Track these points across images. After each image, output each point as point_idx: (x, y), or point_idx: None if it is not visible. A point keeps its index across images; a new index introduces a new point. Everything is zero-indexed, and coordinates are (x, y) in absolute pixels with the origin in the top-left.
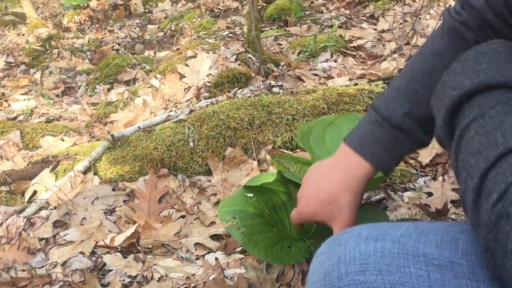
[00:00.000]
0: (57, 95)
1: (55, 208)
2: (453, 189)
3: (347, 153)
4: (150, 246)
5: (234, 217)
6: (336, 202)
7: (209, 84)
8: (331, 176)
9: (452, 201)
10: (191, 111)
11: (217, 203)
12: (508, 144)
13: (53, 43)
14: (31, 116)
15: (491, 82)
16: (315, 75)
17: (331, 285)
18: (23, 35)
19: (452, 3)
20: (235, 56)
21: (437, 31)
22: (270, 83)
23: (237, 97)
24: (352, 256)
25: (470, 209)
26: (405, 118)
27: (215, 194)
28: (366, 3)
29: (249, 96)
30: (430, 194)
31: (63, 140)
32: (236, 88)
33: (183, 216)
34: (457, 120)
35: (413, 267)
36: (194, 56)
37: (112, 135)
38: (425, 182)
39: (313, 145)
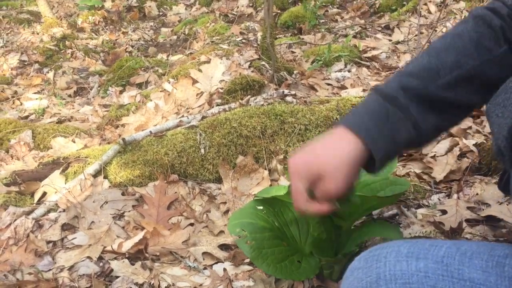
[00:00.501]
0: (69, 95)
1: (64, 210)
2: (468, 208)
3: (338, 130)
4: (157, 254)
5: (243, 230)
6: (329, 164)
7: (221, 91)
8: (325, 148)
9: (467, 220)
10: (203, 117)
11: (226, 211)
12: None
13: (67, 43)
14: (43, 116)
15: None
16: (329, 84)
17: None
18: (37, 33)
19: None
20: (248, 63)
21: (460, 20)
22: (283, 92)
23: (250, 104)
24: (393, 274)
25: None
26: (400, 92)
27: (224, 203)
28: (382, 13)
29: (262, 104)
30: (444, 212)
31: (74, 142)
32: (249, 96)
33: (191, 224)
34: None
35: None
36: (208, 62)
37: (123, 139)
38: (439, 199)
39: None
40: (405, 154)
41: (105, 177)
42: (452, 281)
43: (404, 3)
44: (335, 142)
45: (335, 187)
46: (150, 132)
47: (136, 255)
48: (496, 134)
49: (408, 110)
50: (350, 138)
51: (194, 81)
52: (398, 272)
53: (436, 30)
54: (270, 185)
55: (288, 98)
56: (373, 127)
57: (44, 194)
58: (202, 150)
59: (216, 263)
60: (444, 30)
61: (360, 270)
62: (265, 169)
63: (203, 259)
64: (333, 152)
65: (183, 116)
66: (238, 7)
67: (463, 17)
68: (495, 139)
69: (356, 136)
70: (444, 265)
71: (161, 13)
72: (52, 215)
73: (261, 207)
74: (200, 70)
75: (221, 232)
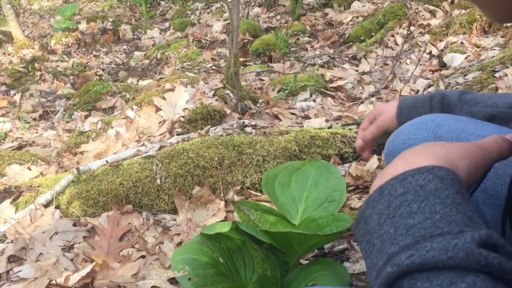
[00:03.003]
0: (35, 119)
1: (11, 241)
2: None
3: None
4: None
5: (186, 267)
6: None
7: (183, 120)
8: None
9: None
10: (161, 147)
11: (180, 243)
12: None
13: (36, 65)
14: (4, 140)
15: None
16: (293, 114)
17: None
18: (8, 54)
19: (433, 49)
20: (213, 92)
21: None
22: (243, 122)
23: (209, 135)
24: None
25: None
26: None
27: (178, 234)
28: (351, 43)
29: (221, 135)
30: None
31: (30, 169)
32: (209, 126)
33: (143, 256)
34: None
35: None
36: (172, 89)
37: (77, 169)
38: None
39: (277, 191)
40: (361, 187)
41: (57, 207)
42: None
43: (373, 34)
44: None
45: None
46: (106, 161)
47: None
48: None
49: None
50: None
51: (158, 109)
52: None
53: (400, 62)
54: (226, 216)
55: (248, 129)
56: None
57: None
58: (158, 181)
59: None
60: (408, 61)
61: None
62: (222, 200)
63: None
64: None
65: (143, 144)
66: (211, 33)
67: (427, 49)
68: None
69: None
70: None
71: (135, 37)
72: None
73: (207, 242)
74: (164, 98)
75: None
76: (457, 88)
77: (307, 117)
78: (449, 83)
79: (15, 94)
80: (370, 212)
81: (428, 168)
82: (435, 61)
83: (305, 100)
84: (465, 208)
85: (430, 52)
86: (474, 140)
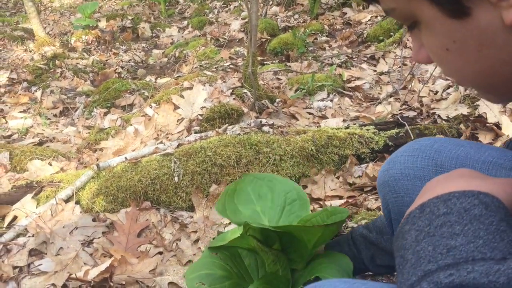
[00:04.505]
0: (55, 115)
1: (33, 235)
2: None
3: None
4: (123, 282)
5: (202, 283)
6: None
7: (201, 118)
8: None
9: None
10: (179, 144)
11: (196, 240)
12: None
13: (57, 62)
14: (26, 136)
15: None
16: (310, 113)
17: None
18: (30, 51)
19: None
20: (230, 90)
21: None
22: (261, 121)
23: (227, 133)
24: None
25: None
26: None
27: (195, 231)
28: (369, 43)
29: (239, 134)
30: None
31: (50, 165)
32: (227, 124)
33: (160, 253)
34: None
35: None
36: (191, 88)
37: (97, 165)
38: None
39: (231, 216)
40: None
41: (77, 202)
42: None
43: (391, 34)
44: None
45: None
46: (125, 158)
47: (101, 284)
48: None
49: None
50: None
51: (176, 107)
52: None
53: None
54: None
55: (265, 128)
56: None
57: (15, 218)
58: (176, 178)
59: None
60: None
61: None
62: None
63: None
64: None
65: (161, 142)
66: (229, 32)
67: None
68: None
69: None
70: None
71: (154, 35)
72: (21, 240)
73: (217, 254)
74: (182, 96)
75: (189, 261)
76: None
77: (324, 117)
78: None
79: (36, 91)
80: (408, 228)
81: (474, 193)
82: None
83: (323, 99)
84: (509, 235)
85: None
86: (480, 167)
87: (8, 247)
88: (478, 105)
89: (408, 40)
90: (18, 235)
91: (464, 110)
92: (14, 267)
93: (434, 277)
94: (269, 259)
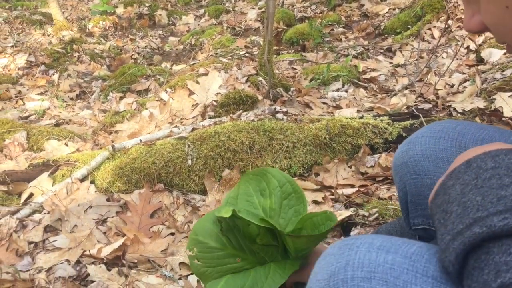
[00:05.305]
0: (71, 98)
1: (48, 212)
2: None
3: None
4: (135, 261)
5: (194, 248)
6: None
7: (216, 104)
8: None
9: None
10: (193, 129)
11: None
12: None
13: (74, 46)
14: (43, 117)
15: None
16: (324, 103)
17: (334, 287)
18: (48, 35)
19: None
20: (246, 78)
21: None
22: (275, 109)
23: (241, 119)
24: (361, 262)
25: None
26: None
27: None
28: (386, 35)
29: (253, 120)
30: None
31: (67, 145)
32: (241, 111)
33: (172, 234)
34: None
35: (419, 285)
36: (206, 74)
37: (112, 146)
38: None
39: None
40: (390, 178)
41: (92, 182)
42: (415, 275)
43: (409, 26)
44: None
45: None
46: (140, 140)
47: (114, 261)
48: (444, 254)
49: None
50: None
51: (191, 92)
52: (367, 261)
53: (436, 56)
54: None
55: (279, 115)
56: None
57: (31, 195)
58: (190, 161)
59: (191, 273)
60: (444, 55)
61: (332, 256)
62: None
63: (179, 269)
64: None
65: (175, 126)
66: (246, 21)
67: (465, 44)
68: (441, 259)
69: None
70: (411, 261)
71: (170, 22)
72: (37, 217)
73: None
74: (197, 82)
75: None
76: (493, 84)
77: (338, 107)
78: (486, 78)
79: (53, 74)
80: (452, 183)
81: None
82: (472, 56)
83: (337, 90)
84: None
85: (468, 46)
86: None
87: (24, 223)
88: (495, 99)
89: (425, 33)
90: (34, 212)
91: (480, 103)
92: (30, 242)
93: (486, 221)
94: (261, 231)
